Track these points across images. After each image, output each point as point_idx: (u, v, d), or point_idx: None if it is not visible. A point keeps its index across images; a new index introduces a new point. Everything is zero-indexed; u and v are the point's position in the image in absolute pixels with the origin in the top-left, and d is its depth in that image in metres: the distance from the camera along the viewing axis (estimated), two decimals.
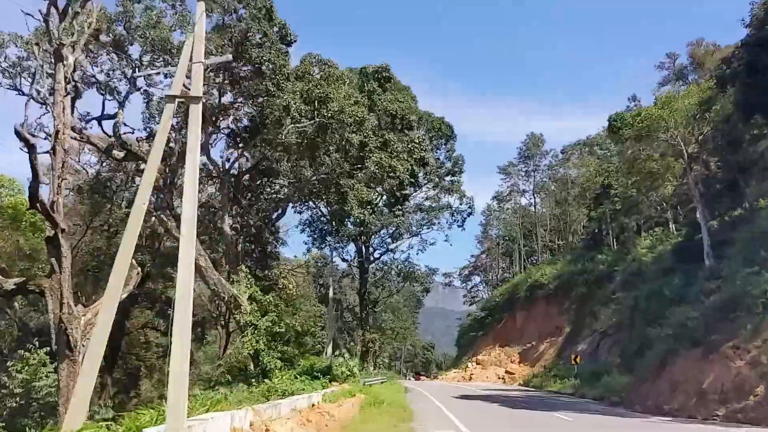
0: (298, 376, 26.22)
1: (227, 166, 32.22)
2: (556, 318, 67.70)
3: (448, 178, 49.55)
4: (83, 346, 19.39)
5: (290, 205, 37.77)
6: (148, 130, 29.89)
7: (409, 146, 30.34)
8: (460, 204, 50.73)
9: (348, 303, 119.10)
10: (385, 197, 43.08)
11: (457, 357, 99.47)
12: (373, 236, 47.00)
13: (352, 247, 49.87)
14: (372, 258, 49.83)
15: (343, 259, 50.52)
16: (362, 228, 44.94)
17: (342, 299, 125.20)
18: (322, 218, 49.68)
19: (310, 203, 36.05)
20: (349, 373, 34.07)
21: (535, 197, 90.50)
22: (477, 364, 70.77)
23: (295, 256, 60.79)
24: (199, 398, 15.97)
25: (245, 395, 19.54)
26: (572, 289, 65.84)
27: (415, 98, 39.80)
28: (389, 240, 50.15)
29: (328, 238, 49.41)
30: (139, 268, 20.34)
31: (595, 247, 72.57)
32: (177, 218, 27.66)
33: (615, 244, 69.43)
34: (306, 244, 49.17)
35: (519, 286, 77.97)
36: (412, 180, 35.31)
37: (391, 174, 28.94)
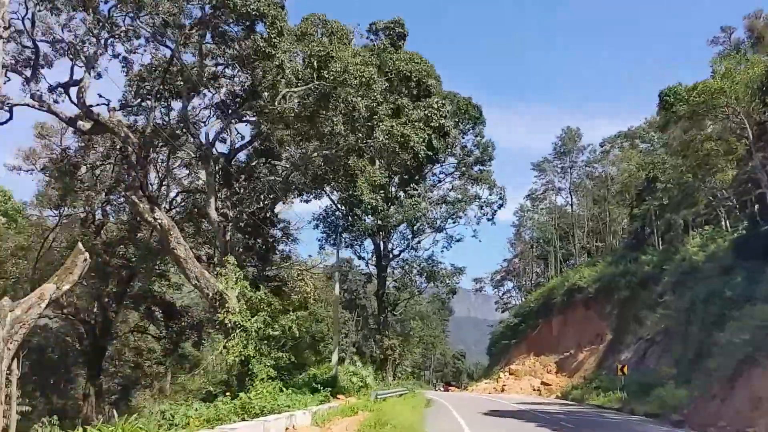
0: (286, 389, 21.94)
1: (211, 138, 28.07)
2: (597, 324, 62.53)
3: (476, 167, 44.86)
4: (8, 349, 15.22)
5: (296, 193, 33.63)
6: (124, 101, 26.17)
7: (426, 112, 25.80)
8: (490, 194, 46.05)
9: (373, 309, 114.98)
10: (397, 179, 38.32)
11: (488, 366, 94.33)
12: (392, 231, 42.55)
13: (370, 245, 45.75)
14: (391, 255, 45.44)
15: (360, 257, 46.43)
16: (379, 221, 40.67)
17: (367, 305, 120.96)
18: (336, 212, 45.50)
19: (318, 191, 31.67)
20: (361, 384, 29.77)
21: (571, 196, 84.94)
22: (510, 374, 65.66)
23: (310, 256, 56.65)
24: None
25: (211, 413, 15.30)
26: (614, 292, 60.69)
27: (432, 66, 35.16)
28: (410, 236, 45.68)
29: (344, 236, 45.20)
30: (87, 254, 16.20)
31: (638, 247, 67.16)
32: (153, 201, 23.68)
33: (660, 243, 63.91)
34: (319, 241, 45.13)
35: (555, 290, 72.72)
36: (430, 153, 30.55)
37: (404, 144, 24.52)
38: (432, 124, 25.11)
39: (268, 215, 32.11)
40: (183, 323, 34.96)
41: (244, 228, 30.78)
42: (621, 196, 73.52)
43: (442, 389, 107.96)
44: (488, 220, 46.18)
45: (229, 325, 23.83)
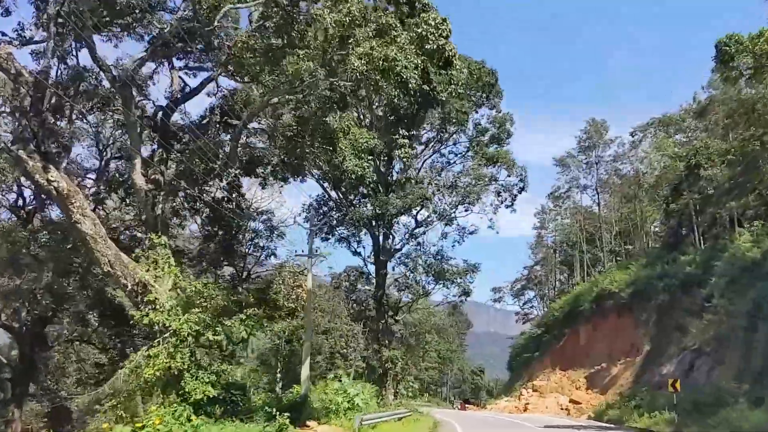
0: (194, 416, 15.70)
1: (129, 69, 21.90)
2: (631, 333, 55.89)
3: (492, 147, 38.20)
4: None
5: (267, 168, 27.64)
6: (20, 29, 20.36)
7: (420, 31, 19.19)
8: (509, 175, 39.25)
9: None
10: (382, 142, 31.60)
11: (509, 383, 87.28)
12: (392, 220, 36.11)
13: (368, 241, 39.46)
14: (392, 250, 39.08)
15: (355, 252, 40.15)
16: (376, 209, 34.43)
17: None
18: (329, 202, 39.40)
19: (294, 162, 25.39)
20: (348, 405, 23.40)
21: (598, 194, 77.96)
22: (533, 390, 58.80)
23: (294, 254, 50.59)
24: None
25: None
26: (651, 297, 54.11)
27: None
28: (412, 224, 39.35)
29: (340, 229, 39.08)
30: None
31: (676, 247, 60.53)
32: (49, 158, 17.66)
33: (701, 241, 57.08)
34: (306, 229, 38.84)
35: (582, 296, 65.99)
36: (427, 89, 23.86)
37: (388, 72, 18.32)
38: (428, 46, 18.94)
39: (233, 196, 26.16)
40: (134, 331, 28.94)
41: (196, 208, 24.87)
42: (654, 192, 66.66)
43: (459, 407, 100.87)
44: (507, 206, 39.77)
45: (157, 327, 17.74)
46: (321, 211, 39.50)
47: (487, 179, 36.44)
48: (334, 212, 38.90)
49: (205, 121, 25.21)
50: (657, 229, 76.44)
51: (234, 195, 28.42)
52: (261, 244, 40.24)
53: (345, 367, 72.76)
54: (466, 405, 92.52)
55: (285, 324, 55.58)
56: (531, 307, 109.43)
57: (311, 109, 21.19)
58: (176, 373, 17.24)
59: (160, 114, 22.67)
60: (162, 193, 20.81)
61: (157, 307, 18.11)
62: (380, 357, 36.38)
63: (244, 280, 40.36)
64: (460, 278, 38.56)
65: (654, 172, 66.15)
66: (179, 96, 23.11)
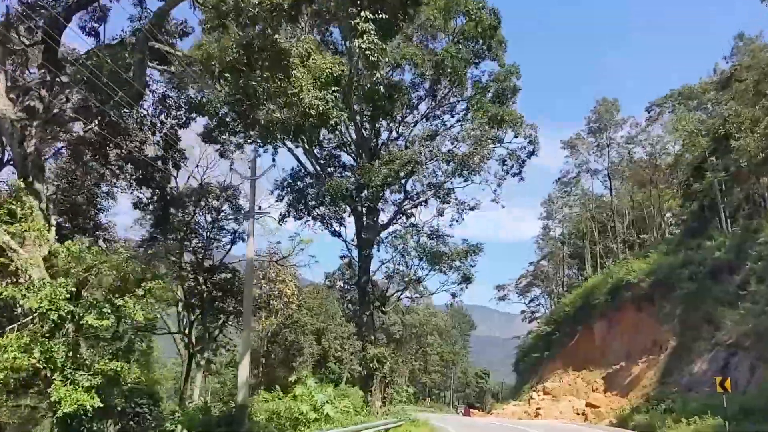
0: None
1: None
2: (653, 328, 50.74)
3: (494, 110, 32.21)
4: None
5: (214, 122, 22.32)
6: None
7: None
8: (516, 135, 33.14)
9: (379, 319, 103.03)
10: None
11: (516, 386, 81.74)
12: (377, 192, 30.36)
13: (351, 225, 33.95)
14: (378, 227, 33.42)
15: (334, 233, 34.46)
16: (359, 179, 29.02)
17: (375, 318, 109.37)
18: (305, 176, 33.95)
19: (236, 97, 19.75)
20: (316, 416, 17.97)
21: (610, 179, 72.21)
22: (545, 394, 53.34)
23: (279, 243, 45.14)
24: None
25: None
26: (674, 287, 48.94)
27: None
28: (402, 198, 33.61)
29: (318, 210, 33.59)
30: None
31: (699, 232, 55.12)
32: None
33: (729, 224, 51.80)
34: (278, 201, 33.47)
35: (596, 289, 60.63)
36: None
37: None
38: None
39: (160, 145, 20.72)
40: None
41: (119, 165, 19.26)
42: (673, 174, 61.25)
43: (462, 413, 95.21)
44: (514, 175, 34.00)
45: (20, 308, 12.34)
46: (296, 186, 34.10)
47: (490, 141, 30.81)
48: (311, 189, 33.48)
49: (115, 41, 19.83)
50: (674, 215, 70.96)
51: (170, 153, 23.04)
52: (228, 227, 34.86)
53: (340, 371, 67.32)
54: (471, 410, 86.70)
55: (267, 323, 50.45)
56: (538, 305, 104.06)
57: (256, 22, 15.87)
58: (32, 374, 11.90)
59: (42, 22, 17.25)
60: (36, 124, 15.44)
61: (22, 279, 12.87)
62: (364, 356, 30.91)
63: (209, 270, 34.93)
64: (460, 261, 33.07)
65: (673, 149, 60.77)
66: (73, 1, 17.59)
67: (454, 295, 35.48)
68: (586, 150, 72.63)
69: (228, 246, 36.16)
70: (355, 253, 34.23)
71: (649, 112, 62.46)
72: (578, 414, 46.35)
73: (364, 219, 32.76)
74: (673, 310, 48.55)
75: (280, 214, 34.11)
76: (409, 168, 30.34)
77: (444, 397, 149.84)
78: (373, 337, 32.32)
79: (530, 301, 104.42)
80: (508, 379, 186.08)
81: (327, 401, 19.13)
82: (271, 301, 50.09)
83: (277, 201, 34.39)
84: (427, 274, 34.35)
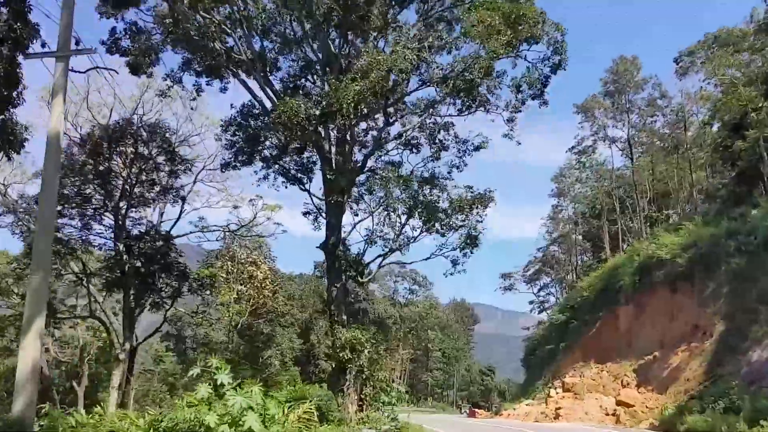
0: None
1: None
2: (692, 311, 43.69)
3: (506, 7, 24.08)
4: None
5: None
6: None
7: None
8: (536, 42, 24.78)
9: (374, 311, 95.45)
10: None
11: (526, 382, 74.24)
12: (351, 120, 22.48)
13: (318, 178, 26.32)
14: (350, 168, 25.69)
15: (293, 179, 26.86)
16: (324, 100, 21.50)
17: (368, 308, 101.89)
18: (260, 117, 26.34)
19: None
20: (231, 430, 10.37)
21: (630, 147, 64.46)
22: (565, 390, 45.91)
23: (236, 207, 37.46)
24: None
25: None
26: (719, 262, 41.53)
27: None
28: (383, 125, 26.03)
29: (271, 153, 26.03)
30: None
31: (741, 199, 48.00)
32: None
33: None
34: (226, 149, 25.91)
35: (620, 270, 53.31)
36: None
37: None
38: None
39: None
40: None
41: None
42: (705, 138, 53.75)
43: (466, 413, 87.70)
44: (534, 97, 26.14)
45: None
46: (249, 127, 26.56)
47: (501, 46, 22.90)
48: (268, 131, 25.92)
49: None
50: (702, 188, 63.39)
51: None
52: (165, 183, 27.31)
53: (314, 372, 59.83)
54: (477, 411, 79.13)
55: (233, 309, 42.82)
56: (548, 294, 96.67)
57: None
58: None
59: None
60: None
61: None
62: (333, 342, 23.38)
63: (136, 239, 27.37)
64: (463, 214, 25.51)
65: (703, 111, 53.27)
66: None
67: (455, 262, 27.78)
68: (604, 114, 64.86)
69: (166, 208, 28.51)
70: (323, 215, 26.56)
71: (677, 63, 54.71)
72: (608, 414, 38.90)
73: (333, 158, 25.20)
74: (719, 289, 41.28)
75: (224, 161, 26.55)
76: (389, 85, 22.82)
77: (447, 396, 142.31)
78: (345, 317, 24.80)
79: (539, 290, 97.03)
80: (515, 376, 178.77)
81: (249, 408, 11.62)
82: (239, 286, 42.82)
83: (225, 149, 26.85)
84: (419, 235, 26.69)
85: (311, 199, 27.54)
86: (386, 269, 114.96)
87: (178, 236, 31.67)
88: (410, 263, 31.30)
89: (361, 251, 26.13)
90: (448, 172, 27.14)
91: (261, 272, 43.21)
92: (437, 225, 25.75)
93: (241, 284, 42.87)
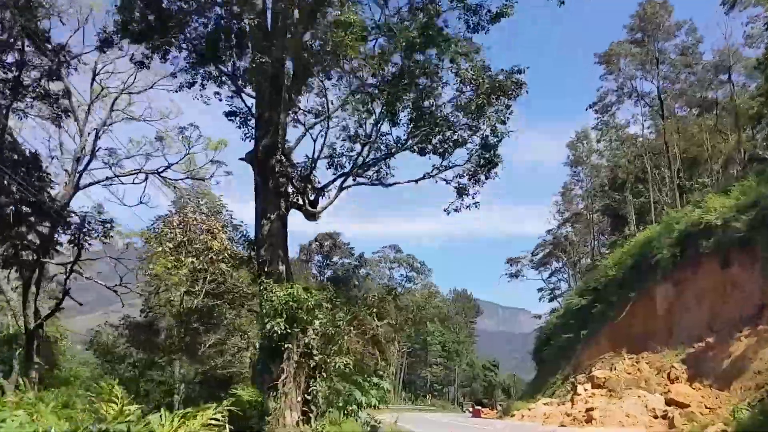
0: None
1: None
2: (754, 286, 35.78)
3: None
4: None
5: None
6: None
7: None
8: None
9: (366, 289, 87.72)
10: None
11: (538, 378, 66.27)
12: None
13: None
14: (293, 23, 17.21)
15: (237, 91, 18.35)
16: None
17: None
18: None
19: None
20: None
21: (661, 102, 56.03)
22: (594, 387, 37.88)
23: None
24: None
25: None
26: None
27: None
28: None
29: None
30: None
31: None
32: None
33: None
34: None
35: (655, 242, 45.30)
36: None
37: None
38: None
39: None
40: None
41: None
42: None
43: (470, 412, 79.65)
44: None
45: None
46: None
47: None
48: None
49: None
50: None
51: None
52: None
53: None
54: (481, 411, 70.99)
55: (173, 281, 34.24)
56: (559, 280, 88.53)
57: None
58: None
59: None
60: None
61: None
62: (260, 303, 15.35)
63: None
64: (475, 114, 17.17)
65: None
66: None
67: (461, 191, 19.47)
68: (630, 62, 56.29)
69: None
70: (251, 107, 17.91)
71: None
72: (656, 417, 30.77)
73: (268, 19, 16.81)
74: None
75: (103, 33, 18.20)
76: None
77: (447, 393, 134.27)
78: (283, 268, 16.58)
79: (550, 275, 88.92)
80: (520, 371, 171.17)
81: None
82: (191, 258, 34.60)
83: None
84: (405, 144, 18.25)
85: (234, 86, 18.77)
86: (380, 254, 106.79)
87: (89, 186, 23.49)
88: (391, 185, 21.54)
89: (310, 160, 17.86)
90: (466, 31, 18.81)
91: (218, 242, 34.94)
92: (432, 137, 17.57)
93: (194, 257, 34.64)
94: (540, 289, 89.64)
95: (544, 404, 43.37)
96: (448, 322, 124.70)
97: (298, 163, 18.63)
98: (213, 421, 11.56)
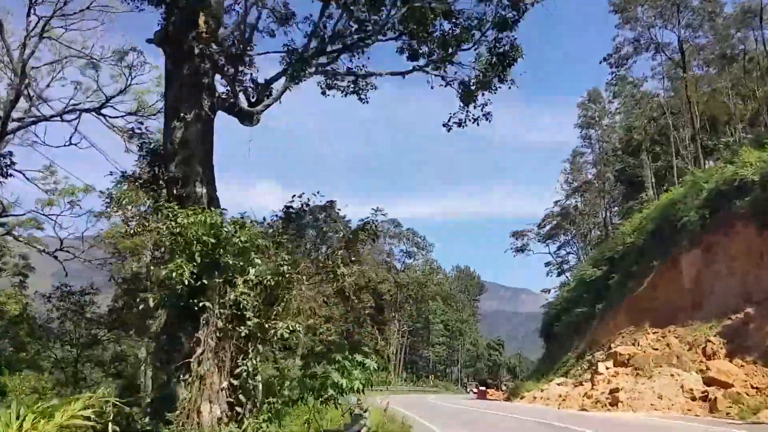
0: None
1: None
2: None
3: None
4: None
5: None
6: None
7: None
8: None
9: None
10: None
11: (547, 357, 62.37)
12: None
13: None
14: None
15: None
16: None
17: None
18: None
19: None
20: None
21: (683, 54, 51.25)
22: (618, 365, 33.90)
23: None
24: None
25: None
26: None
27: None
28: None
29: None
30: None
31: None
32: None
33: None
34: None
35: (680, 205, 40.90)
36: None
37: None
38: None
39: None
40: None
41: None
42: None
43: (474, 393, 75.91)
44: None
45: None
46: None
47: None
48: None
49: None
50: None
51: None
52: None
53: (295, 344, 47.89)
54: (486, 391, 67.12)
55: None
56: (567, 253, 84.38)
57: None
58: None
59: None
60: None
61: None
62: (158, 245, 11.08)
63: None
64: None
65: None
66: None
67: (467, 96, 15.01)
68: (650, 10, 51.35)
69: None
70: None
71: None
72: (694, 398, 26.71)
73: None
74: None
75: None
76: None
77: (450, 373, 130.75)
78: (203, 191, 12.16)
79: (558, 248, 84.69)
80: (525, 350, 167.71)
81: None
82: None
83: None
84: (387, 21, 13.76)
85: None
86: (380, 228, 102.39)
87: None
88: (368, 76, 15.96)
89: (239, 24, 13.06)
90: None
91: None
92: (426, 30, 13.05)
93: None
94: (547, 264, 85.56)
95: (558, 384, 39.39)
96: (450, 300, 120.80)
97: (227, 38, 13.78)
98: (77, 421, 7.61)
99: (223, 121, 13.35)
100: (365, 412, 17.06)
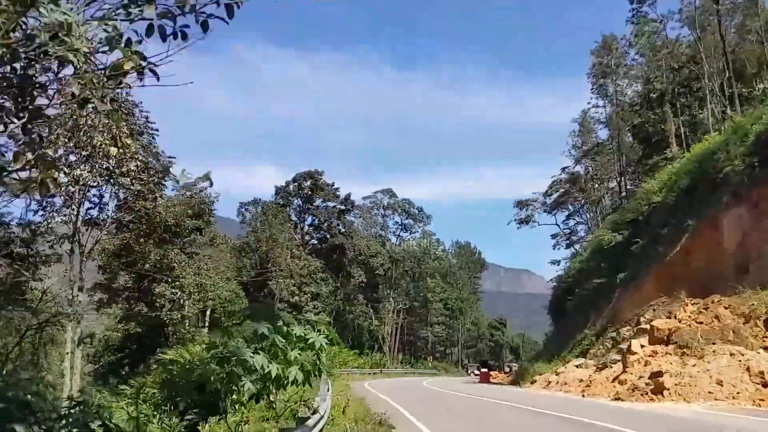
0: None
1: None
2: None
3: None
4: None
5: None
6: None
7: None
8: None
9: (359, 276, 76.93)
10: None
11: (557, 335, 56.85)
12: None
13: None
14: None
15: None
16: None
17: (347, 244, 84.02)
18: None
19: None
20: None
21: None
22: (654, 342, 27.92)
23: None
24: None
25: None
26: None
27: None
28: None
29: None
30: None
31: None
32: None
33: None
34: None
35: (720, 153, 34.89)
36: None
37: None
38: None
39: None
40: None
41: None
42: None
43: (476, 376, 70.54)
44: None
45: None
46: None
47: None
48: None
49: None
50: None
51: None
52: None
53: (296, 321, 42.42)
54: (489, 374, 61.56)
55: None
56: (576, 223, 78.55)
57: None
58: None
59: None
60: None
61: None
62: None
63: None
64: None
65: None
66: None
67: None
68: None
69: None
70: None
71: None
72: (766, 385, 20.80)
73: None
74: None
75: None
76: None
77: (450, 354, 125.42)
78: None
79: (567, 218, 78.84)
80: (528, 330, 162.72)
81: None
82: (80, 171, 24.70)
83: None
84: None
85: None
86: (372, 200, 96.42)
87: None
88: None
89: None
90: None
91: (122, 145, 24.80)
92: None
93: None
94: (554, 236, 79.66)
95: (577, 367, 33.74)
96: (450, 277, 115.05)
97: None
98: None
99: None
100: (314, 413, 11.22)
